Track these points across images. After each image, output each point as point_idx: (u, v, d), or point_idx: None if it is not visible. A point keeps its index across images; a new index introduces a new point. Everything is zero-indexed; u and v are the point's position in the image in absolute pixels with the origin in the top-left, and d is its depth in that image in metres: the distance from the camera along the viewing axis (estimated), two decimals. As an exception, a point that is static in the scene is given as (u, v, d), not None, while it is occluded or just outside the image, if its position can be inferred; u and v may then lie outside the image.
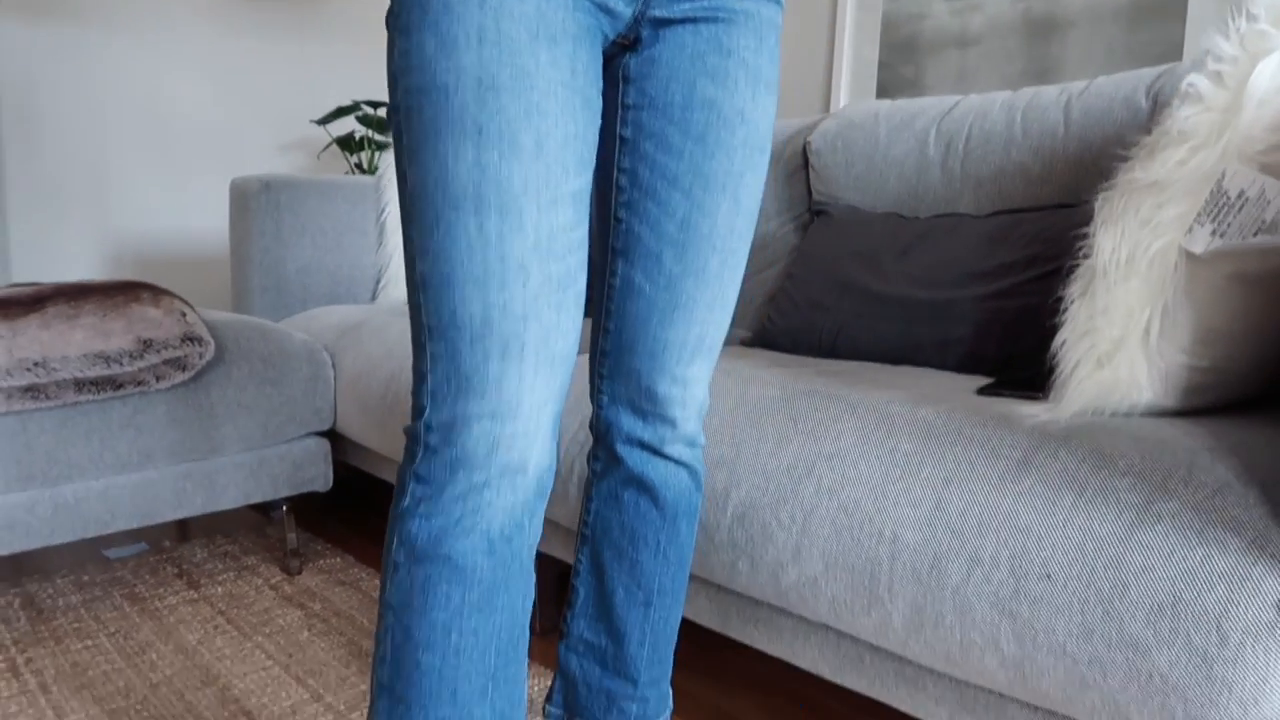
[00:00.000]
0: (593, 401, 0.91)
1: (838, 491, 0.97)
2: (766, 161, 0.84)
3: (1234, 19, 0.91)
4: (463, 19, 0.64)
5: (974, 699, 0.92)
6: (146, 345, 1.49)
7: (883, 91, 2.25)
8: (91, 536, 1.62)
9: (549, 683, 1.29)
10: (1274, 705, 0.68)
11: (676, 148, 0.79)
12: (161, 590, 1.69)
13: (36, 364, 1.39)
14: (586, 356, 1.44)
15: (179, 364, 1.53)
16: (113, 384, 1.46)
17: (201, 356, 1.55)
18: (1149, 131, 1.01)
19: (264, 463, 1.69)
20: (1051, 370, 1.01)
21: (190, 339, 1.53)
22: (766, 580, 1.02)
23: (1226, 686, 0.70)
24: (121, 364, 1.46)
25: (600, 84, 0.74)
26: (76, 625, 1.55)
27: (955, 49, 2.10)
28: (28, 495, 1.43)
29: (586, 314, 1.87)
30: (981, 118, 1.57)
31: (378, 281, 2.34)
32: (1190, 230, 0.88)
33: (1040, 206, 1.45)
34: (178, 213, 2.94)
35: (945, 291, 1.37)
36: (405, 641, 0.69)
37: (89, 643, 1.48)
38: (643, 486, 0.89)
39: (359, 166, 3.01)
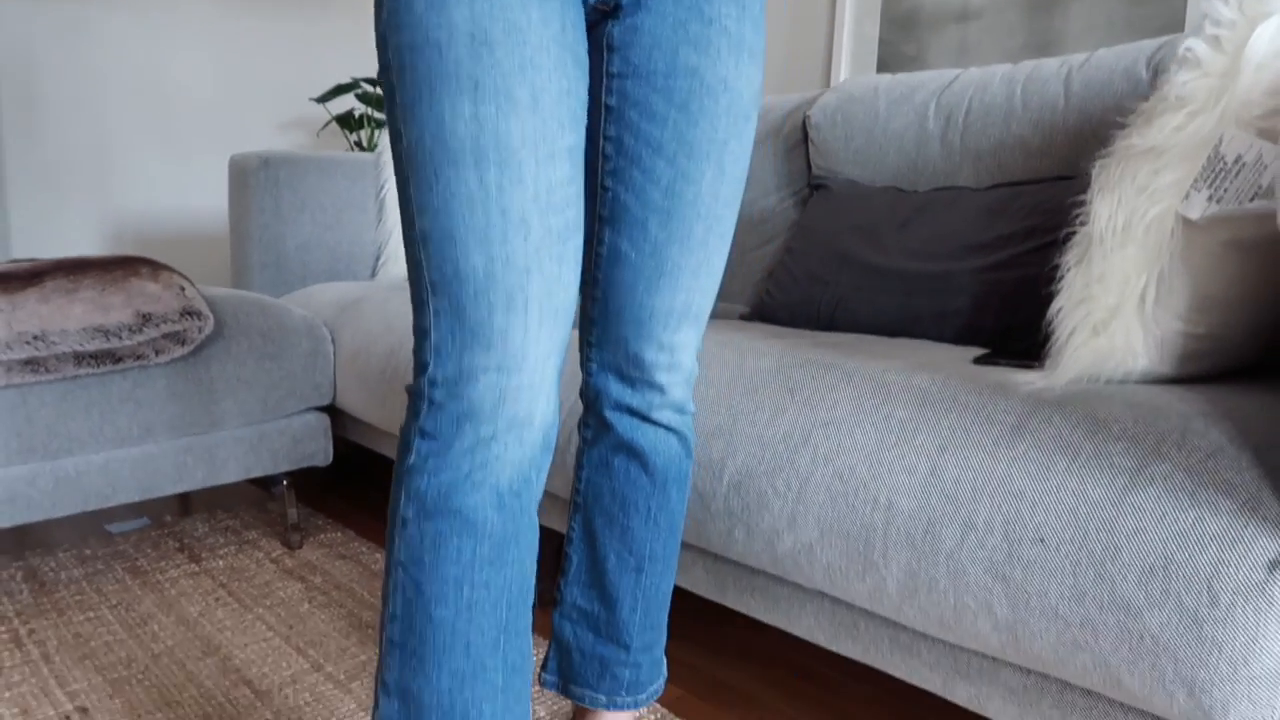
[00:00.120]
0: (582, 369, 0.91)
1: (833, 459, 0.97)
2: (752, 130, 0.84)
3: (1233, -17, 0.91)
4: None
5: (967, 663, 0.93)
6: (145, 319, 1.49)
7: (883, 67, 2.24)
8: (93, 510, 1.63)
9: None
10: (1263, 664, 0.68)
11: (660, 115, 0.79)
12: (163, 564, 1.70)
13: (36, 337, 1.39)
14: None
15: (178, 338, 1.53)
16: (112, 358, 1.47)
17: (201, 331, 1.55)
18: (1148, 101, 1.00)
19: (264, 437, 1.69)
20: (1047, 338, 1.01)
21: (189, 313, 1.53)
22: (762, 548, 1.02)
23: (1216, 646, 0.70)
24: (121, 338, 1.46)
25: (586, 43, 0.74)
26: (78, 597, 1.56)
27: (956, 23, 2.09)
28: (28, 468, 1.44)
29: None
30: (981, 91, 1.56)
31: (377, 258, 2.34)
32: (1187, 196, 0.88)
33: (1040, 179, 1.44)
34: (178, 191, 2.93)
35: (943, 264, 1.37)
36: (417, 597, 0.70)
37: (91, 614, 1.49)
38: (632, 452, 0.89)
39: (358, 144, 3.01)
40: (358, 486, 2.23)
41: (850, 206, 1.59)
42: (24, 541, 1.83)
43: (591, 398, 0.91)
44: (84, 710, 1.21)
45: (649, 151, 0.80)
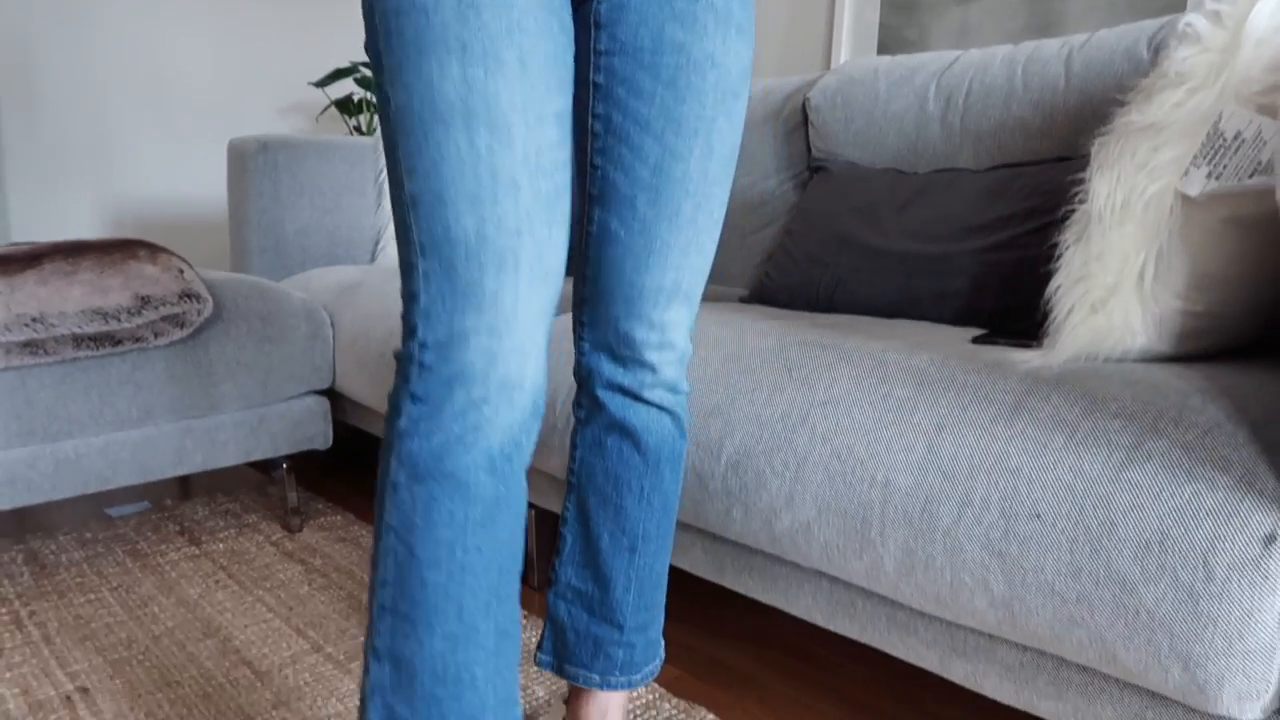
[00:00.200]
0: (575, 349, 0.91)
1: (831, 438, 0.97)
2: (742, 107, 0.83)
3: (1234, -41, 0.90)
4: None
5: (964, 641, 0.93)
6: (144, 302, 1.49)
7: (884, 50, 2.23)
8: (93, 492, 1.63)
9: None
10: (1258, 638, 0.69)
11: (647, 92, 0.79)
12: (163, 547, 1.71)
13: (34, 319, 1.39)
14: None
15: (177, 321, 1.53)
16: (111, 340, 1.47)
17: (199, 314, 1.55)
18: (1148, 77, 1.00)
19: (264, 420, 1.69)
20: (1046, 317, 1.01)
21: (188, 296, 1.53)
22: (760, 527, 1.03)
23: (1212, 621, 0.70)
24: (120, 320, 1.46)
25: (570, 10, 0.74)
26: (79, 580, 1.56)
27: (957, 5, 2.08)
28: (28, 450, 1.44)
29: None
30: (982, 72, 1.56)
31: (376, 242, 2.34)
32: (1186, 173, 0.87)
33: (1040, 160, 1.44)
34: (177, 177, 2.93)
35: (943, 245, 1.37)
36: (409, 560, 0.70)
37: (91, 596, 1.50)
38: (625, 432, 0.89)
39: (358, 129, 3.00)
40: (357, 470, 2.23)
41: (850, 189, 1.59)
42: (24, 525, 1.83)
43: (584, 377, 0.91)
44: (85, 690, 1.21)
45: (637, 129, 0.80)
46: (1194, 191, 0.86)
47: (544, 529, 1.55)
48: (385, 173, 2.28)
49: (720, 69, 0.79)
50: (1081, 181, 1.00)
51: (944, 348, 1.04)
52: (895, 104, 1.65)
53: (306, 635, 1.37)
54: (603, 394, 0.89)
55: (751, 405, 1.06)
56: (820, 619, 1.07)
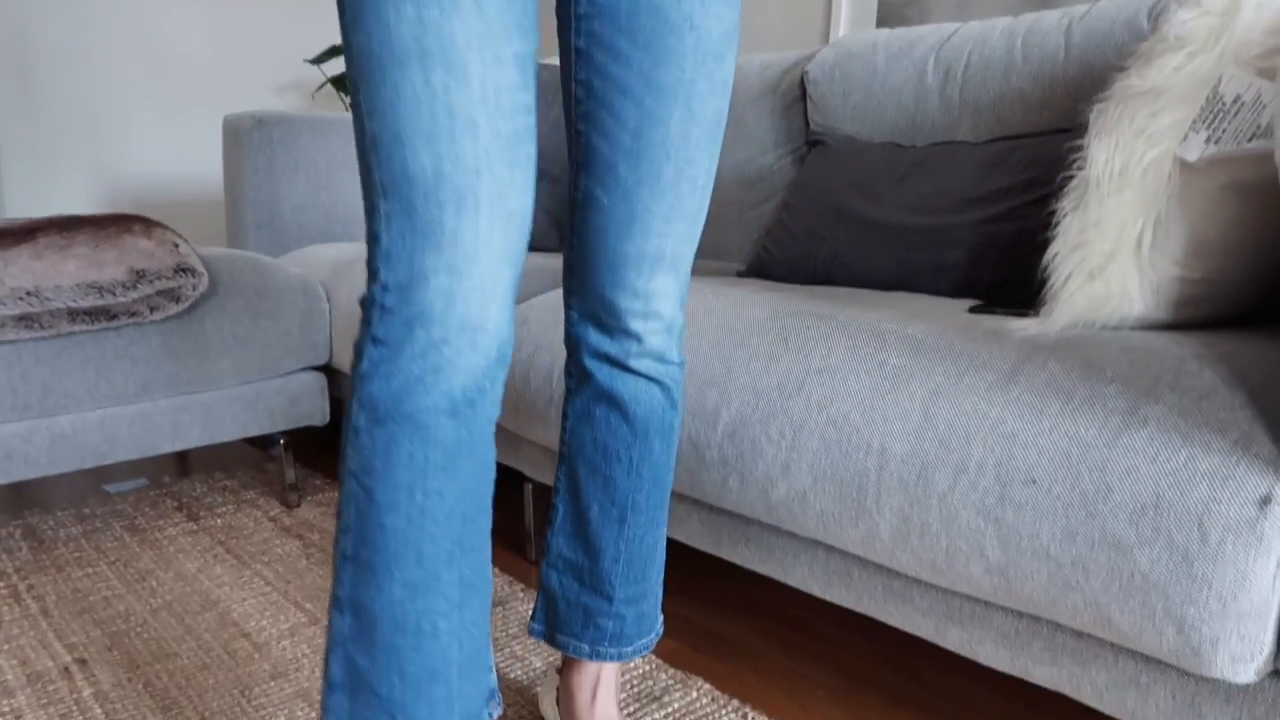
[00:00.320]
0: (565, 318, 0.91)
1: (827, 406, 0.97)
2: (727, 71, 0.82)
3: (1235, -79, 0.89)
4: None
5: (959, 608, 0.93)
6: (139, 276, 1.48)
7: (882, 24, 2.22)
8: (90, 467, 1.63)
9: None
10: (1251, 600, 0.69)
11: (625, 56, 0.78)
12: (161, 522, 1.71)
13: (29, 293, 1.39)
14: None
15: (172, 295, 1.52)
16: (107, 314, 1.46)
17: (195, 288, 1.54)
18: (1147, 42, 0.99)
19: (261, 396, 1.69)
20: (1043, 285, 1.00)
21: (183, 270, 1.52)
22: (756, 496, 1.03)
23: (1206, 583, 0.70)
24: (115, 294, 1.46)
25: None
26: (77, 554, 1.56)
27: (957, -21, 2.06)
28: (24, 425, 1.44)
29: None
30: (981, 44, 1.55)
31: (373, 219, 2.33)
32: (1185, 138, 0.87)
33: (1039, 132, 1.43)
34: (173, 155, 2.91)
35: (941, 218, 1.36)
36: (369, 505, 0.69)
37: (89, 570, 1.50)
38: (613, 402, 0.89)
39: (354, 107, 2.98)
40: (356, 448, 2.23)
41: (848, 162, 1.58)
42: (22, 501, 1.83)
43: (573, 346, 0.90)
44: (83, 662, 1.22)
45: (616, 93, 0.79)
46: (1193, 157, 0.86)
47: (541, 504, 1.55)
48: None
49: (699, 31, 0.78)
50: (1079, 147, 1.00)
51: (941, 318, 1.04)
52: (894, 77, 1.64)
53: (304, 608, 1.37)
54: (590, 363, 0.89)
55: (748, 375, 1.05)
56: (816, 589, 1.07)
